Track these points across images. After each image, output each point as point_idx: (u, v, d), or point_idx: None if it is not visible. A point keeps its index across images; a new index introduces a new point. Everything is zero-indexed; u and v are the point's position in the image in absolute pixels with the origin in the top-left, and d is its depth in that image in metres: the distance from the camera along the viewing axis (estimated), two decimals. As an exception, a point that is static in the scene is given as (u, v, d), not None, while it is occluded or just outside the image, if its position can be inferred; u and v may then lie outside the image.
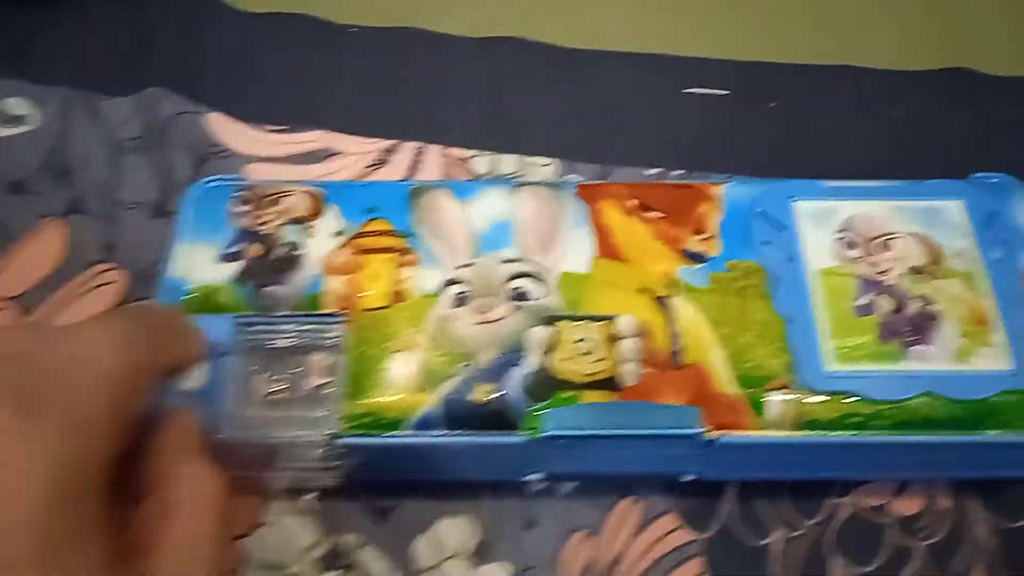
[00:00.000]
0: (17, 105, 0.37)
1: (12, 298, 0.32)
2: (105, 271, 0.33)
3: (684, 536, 0.29)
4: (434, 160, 0.36)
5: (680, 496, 0.29)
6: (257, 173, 0.36)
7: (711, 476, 0.28)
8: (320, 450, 0.26)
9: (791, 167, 0.35)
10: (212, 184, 0.30)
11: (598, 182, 0.30)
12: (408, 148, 0.36)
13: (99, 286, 0.33)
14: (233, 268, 0.28)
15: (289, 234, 0.29)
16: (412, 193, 0.30)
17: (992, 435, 0.26)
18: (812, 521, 0.29)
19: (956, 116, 0.38)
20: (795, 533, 0.29)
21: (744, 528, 0.29)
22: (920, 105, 0.38)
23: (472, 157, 0.36)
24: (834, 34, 0.40)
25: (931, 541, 0.29)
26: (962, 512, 0.29)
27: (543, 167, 0.36)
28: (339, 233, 0.29)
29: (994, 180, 0.31)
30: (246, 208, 0.30)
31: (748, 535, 0.29)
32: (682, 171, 0.36)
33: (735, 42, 0.40)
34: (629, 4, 0.41)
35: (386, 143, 0.37)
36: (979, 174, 0.31)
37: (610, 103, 0.38)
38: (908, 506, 0.29)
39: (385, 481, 0.29)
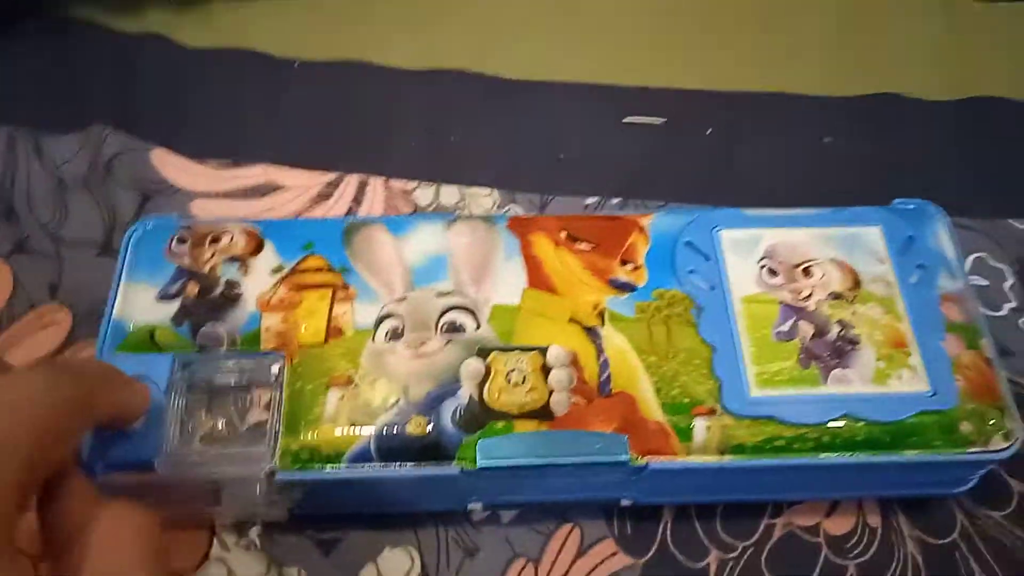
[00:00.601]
0: (-41, 144, 0.37)
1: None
2: (51, 311, 0.33)
3: (622, 561, 0.29)
4: (377, 192, 0.37)
5: (618, 522, 0.30)
6: (202, 208, 0.36)
7: (646, 501, 0.29)
8: (261, 486, 0.27)
9: (725, 192, 0.37)
10: (151, 224, 0.31)
11: (529, 215, 0.31)
12: (352, 180, 0.37)
13: (45, 327, 0.33)
14: (172, 307, 0.29)
15: (227, 272, 0.30)
16: (347, 229, 0.31)
17: (911, 455, 0.27)
18: (747, 543, 0.30)
19: (882, 141, 0.39)
20: (730, 555, 0.30)
21: (680, 552, 0.30)
22: (847, 130, 0.39)
23: (415, 188, 0.37)
24: (765, 63, 0.41)
25: (862, 560, 0.30)
26: (890, 531, 0.30)
27: (484, 197, 0.37)
28: (276, 270, 0.30)
29: (911, 206, 0.32)
30: (185, 247, 0.30)
31: (685, 558, 0.30)
32: (619, 199, 0.37)
33: (671, 72, 0.41)
34: (568, 36, 0.42)
35: (330, 176, 0.37)
36: (898, 200, 0.32)
37: (550, 133, 0.39)
38: (839, 525, 0.30)
39: (328, 514, 0.29)
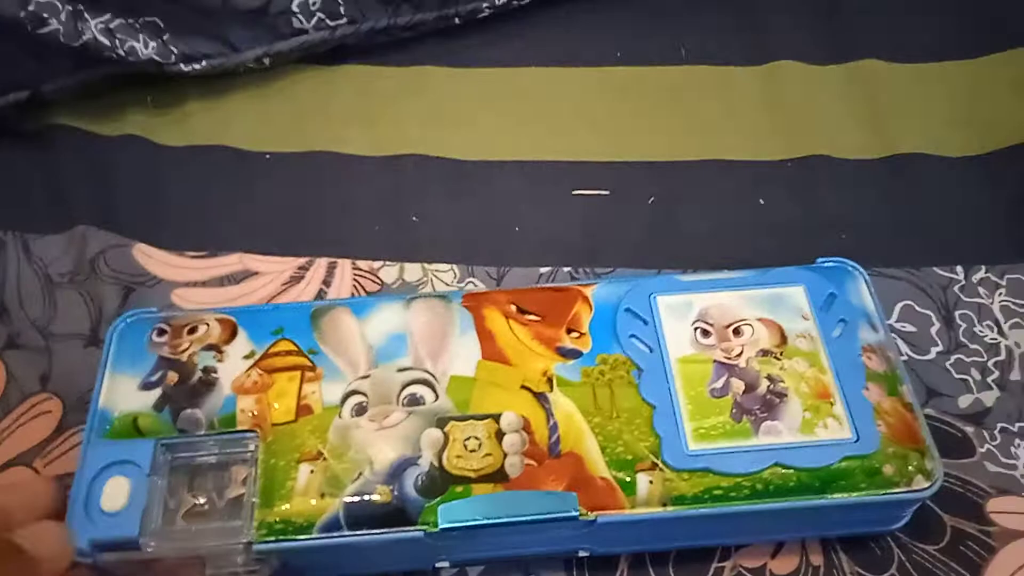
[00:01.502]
0: (-49, 249, 0.40)
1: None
2: (42, 401, 0.36)
3: (582, 608, 0.31)
4: (346, 273, 0.39)
5: (576, 572, 0.32)
6: (182, 297, 0.39)
7: (602, 551, 0.31)
8: (240, 556, 0.29)
9: (669, 255, 0.39)
10: (133, 319, 0.33)
11: (482, 291, 0.34)
12: (321, 263, 0.40)
13: (36, 416, 0.35)
14: (154, 395, 0.31)
15: (204, 359, 0.32)
16: (314, 314, 0.33)
17: (839, 498, 0.29)
18: (698, 585, 0.32)
19: (813, 199, 0.42)
20: (684, 598, 0.32)
21: (636, 598, 0.32)
22: (781, 191, 0.42)
23: (380, 268, 0.40)
24: (701, 132, 0.44)
25: (807, 596, 0.32)
26: (832, 568, 0.32)
27: (445, 272, 0.39)
28: (249, 355, 0.32)
29: (833, 264, 0.35)
30: (164, 338, 0.33)
31: (641, 603, 0.32)
32: (570, 267, 0.40)
33: (614, 146, 0.44)
34: (516, 118, 0.45)
35: (300, 260, 0.40)
36: (820, 259, 0.35)
37: (505, 208, 0.42)
38: (784, 566, 0.32)
39: (306, 577, 0.31)
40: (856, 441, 0.30)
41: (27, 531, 0.27)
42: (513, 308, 0.33)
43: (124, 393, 0.31)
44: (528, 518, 0.29)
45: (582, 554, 0.31)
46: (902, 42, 0.47)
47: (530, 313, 0.33)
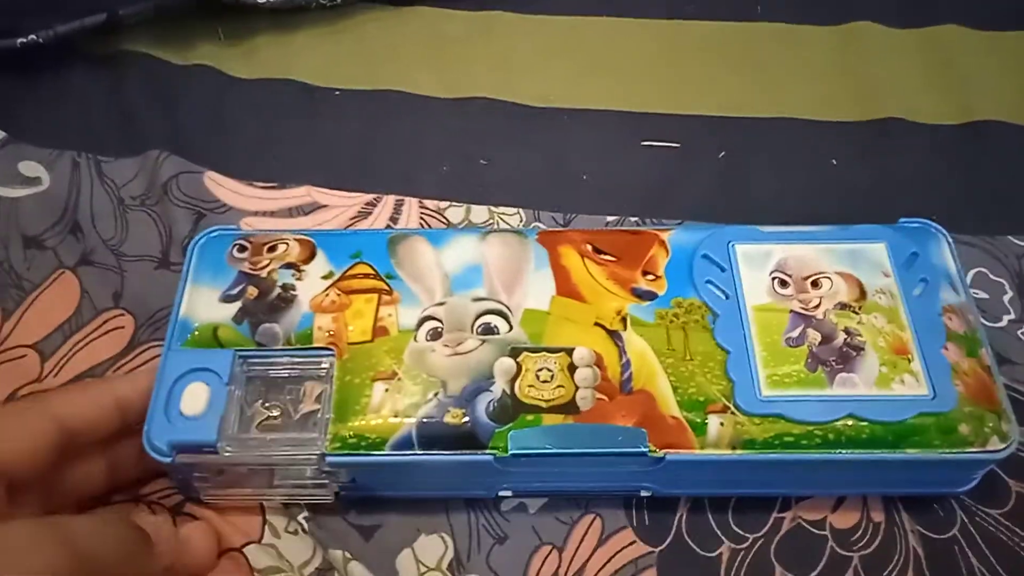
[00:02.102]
0: (29, 167, 0.41)
1: (31, 345, 0.36)
2: (114, 317, 0.36)
3: (640, 549, 0.32)
4: (412, 211, 0.40)
5: (636, 513, 0.32)
6: (252, 225, 0.39)
7: (663, 492, 0.31)
8: (311, 468, 0.30)
9: (737, 212, 0.39)
10: (214, 234, 0.34)
11: (557, 229, 0.34)
12: (388, 201, 0.40)
13: (109, 331, 0.36)
14: (233, 308, 0.32)
15: (282, 277, 0.32)
16: (391, 240, 0.34)
17: (910, 453, 0.29)
18: (756, 534, 0.32)
19: (886, 163, 0.41)
20: (741, 546, 0.32)
21: (694, 542, 0.32)
22: (854, 153, 0.42)
23: (447, 208, 0.40)
24: (775, 90, 0.44)
25: (865, 552, 0.32)
26: (893, 525, 0.32)
27: (511, 216, 0.40)
28: (327, 276, 0.33)
29: (916, 224, 0.34)
30: (244, 255, 0.33)
31: (698, 548, 0.32)
32: (636, 218, 0.39)
33: (685, 99, 0.44)
34: (587, 66, 0.45)
35: (368, 196, 0.40)
36: (903, 219, 0.35)
37: (572, 156, 0.42)
38: (844, 520, 0.32)
39: (370, 496, 0.31)
40: (933, 398, 0.30)
41: None
42: (589, 248, 0.33)
43: (204, 304, 0.32)
44: (598, 451, 0.29)
45: (644, 494, 0.31)
46: (981, 9, 0.46)
47: (606, 253, 0.33)
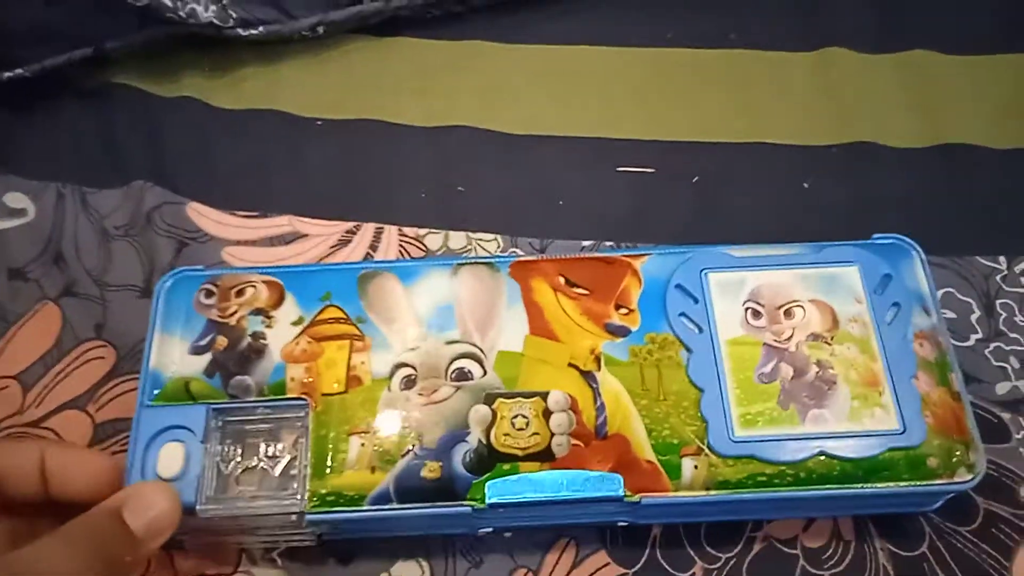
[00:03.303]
0: (15, 199, 0.37)
1: (13, 376, 0.33)
2: (95, 348, 0.34)
3: (614, 571, 0.29)
4: (391, 239, 0.37)
5: (610, 537, 0.30)
6: (233, 255, 0.36)
7: (640, 522, 0.29)
8: (290, 523, 0.27)
9: (711, 235, 0.36)
10: (179, 275, 0.31)
11: (530, 258, 0.30)
12: (368, 229, 0.37)
13: (89, 361, 0.33)
14: (204, 360, 0.29)
15: (252, 325, 0.29)
16: (361, 279, 0.30)
17: (879, 487, 0.27)
18: (729, 554, 0.30)
19: (858, 185, 0.38)
20: (714, 565, 0.30)
21: (667, 563, 0.30)
22: (826, 176, 0.38)
23: (425, 235, 0.37)
24: (748, 115, 0.40)
25: (836, 571, 0.29)
26: (863, 544, 0.30)
27: (489, 242, 0.36)
28: (297, 322, 0.30)
29: (889, 241, 0.31)
30: (212, 301, 0.30)
31: (671, 569, 0.30)
32: (611, 243, 0.36)
33: (660, 125, 0.40)
34: (564, 94, 0.42)
35: (348, 224, 0.37)
36: (876, 235, 0.32)
37: (549, 182, 0.39)
38: (815, 539, 0.30)
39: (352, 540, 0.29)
40: (903, 432, 0.27)
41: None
42: (561, 280, 0.30)
43: (174, 355, 0.29)
44: (575, 497, 0.26)
45: (621, 523, 0.29)
46: (954, 33, 0.43)
47: (579, 287, 0.30)
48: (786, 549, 0.30)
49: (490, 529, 0.29)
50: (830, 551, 0.30)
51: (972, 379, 0.33)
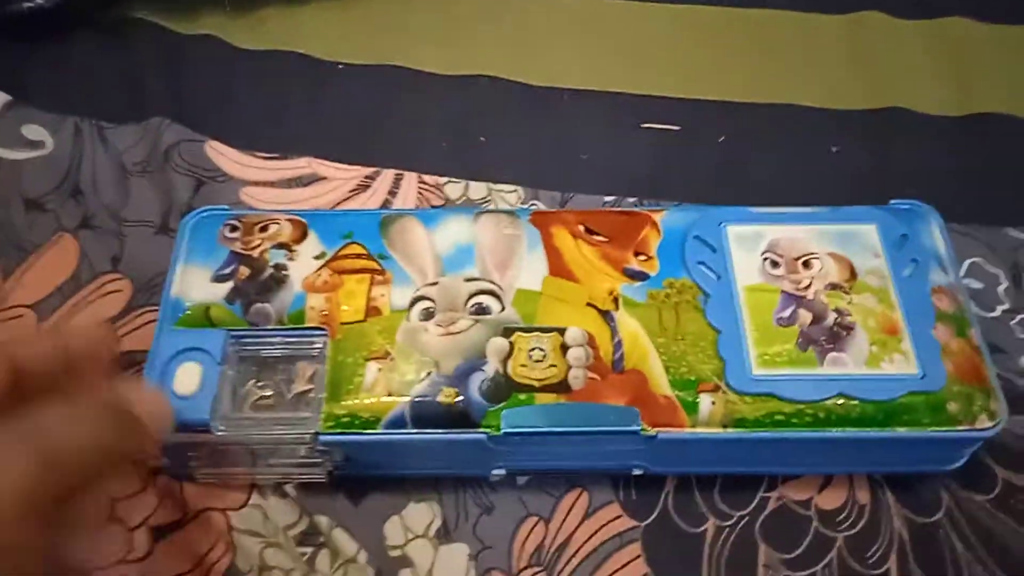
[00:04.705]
0: (33, 131, 0.39)
1: (30, 305, 0.34)
2: (112, 281, 0.35)
3: (626, 523, 0.31)
4: (411, 185, 0.38)
5: (623, 489, 0.31)
6: (250, 195, 0.38)
7: (655, 471, 0.30)
8: (304, 447, 0.28)
9: (735, 196, 0.37)
10: (206, 213, 0.32)
11: (550, 210, 0.33)
12: (388, 175, 0.39)
13: (107, 294, 0.35)
14: (225, 288, 0.30)
15: (274, 257, 0.31)
16: (383, 221, 0.32)
17: (900, 432, 0.28)
18: (742, 512, 0.31)
19: (886, 152, 0.40)
20: (726, 523, 0.31)
21: (680, 518, 0.31)
22: (854, 141, 0.40)
23: (445, 184, 0.38)
24: (777, 76, 0.42)
25: (849, 533, 0.31)
26: (879, 508, 0.31)
27: (509, 193, 0.38)
28: (319, 256, 0.31)
29: (906, 206, 0.33)
30: (236, 234, 0.32)
31: (684, 524, 0.31)
32: (634, 199, 0.38)
33: (687, 83, 0.42)
34: (591, 47, 0.43)
35: (368, 170, 0.39)
36: (893, 200, 0.33)
37: (572, 136, 0.40)
38: (830, 501, 0.31)
39: (363, 476, 0.31)
40: (922, 377, 0.29)
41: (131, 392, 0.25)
42: (581, 228, 0.32)
43: (196, 284, 0.30)
44: (591, 429, 0.28)
45: (636, 472, 0.30)
46: (989, 2, 0.44)
47: (598, 234, 0.32)
48: (800, 510, 0.31)
49: (503, 472, 0.30)
50: (844, 513, 0.31)
51: (996, 349, 0.34)
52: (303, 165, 0.39)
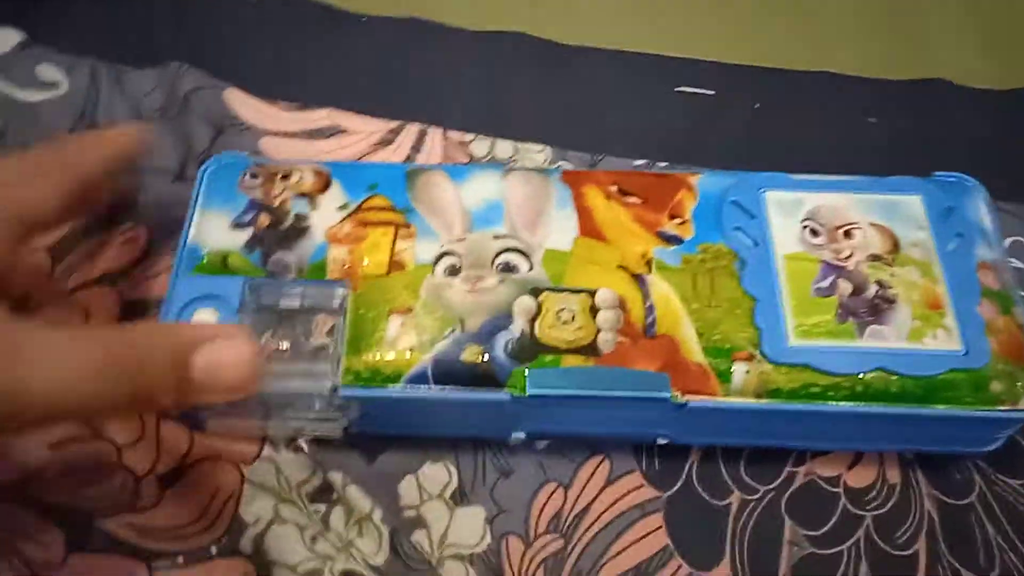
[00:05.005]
0: (48, 71, 0.38)
1: (47, 248, 0.34)
2: (130, 227, 0.34)
3: (648, 493, 0.30)
4: (436, 141, 0.37)
5: (646, 457, 0.31)
6: (270, 145, 0.37)
7: (681, 440, 0.30)
8: (321, 401, 0.28)
9: (769, 164, 0.35)
10: (226, 160, 0.32)
11: (582, 169, 0.32)
12: (412, 129, 0.38)
13: (126, 240, 0.34)
14: (244, 235, 0.30)
15: (296, 207, 0.30)
16: (409, 174, 0.31)
17: (940, 409, 0.27)
18: (768, 487, 0.30)
19: (926, 124, 0.39)
20: (752, 496, 0.30)
21: (704, 490, 0.30)
22: (893, 112, 0.39)
23: (471, 141, 0.37)
24: (815, 42, 0.41)
25: (878, 512, 0.30)
26: (909, 487, 0.30)
27: (537, 153, 0.37)
28: (342, 207, 0.30)
29: (952, 179, 0.32)
30: (257, 182, 0.31)
31: (708, 496, 0.30)
32: (666, 163, 0.37)
33: (723, 47, 0.41)
34: (624, 6, 0.42)
35: (392, 124, 0.38)
36: (939, 173, 0.32)
37: (602, 97, 0.39)
38: (859, 478, 0.31)
39: (380, 434, 0.30)
40: (965, 354, 0.28)
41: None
42: (614, 189, 0.31)
43: (215, 230, 0.30)
44: (619, 394, 0.27)
45: (661, 441, 0.30)
46: None
47: (632, 195, 0.31)
48: (828, 487, 0.30)
49: (523, 436, 0.30)
50: (874, 492, 0.30)
51: (1037, 328, 0.33)
52: (324, 116, 0.38)
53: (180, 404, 0.24)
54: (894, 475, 0.31)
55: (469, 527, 0.29)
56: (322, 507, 0.29)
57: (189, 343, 0.23)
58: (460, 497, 0.30)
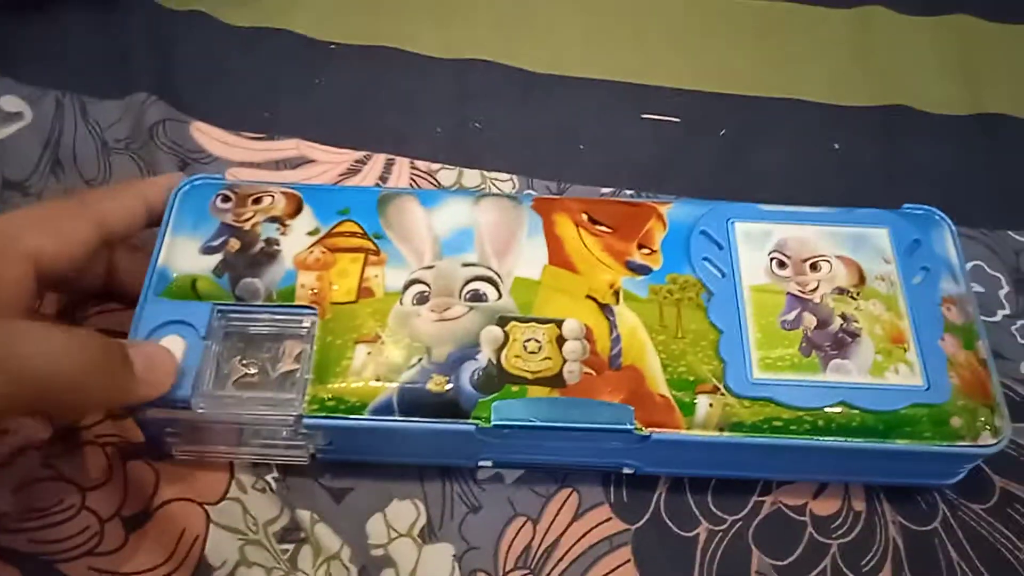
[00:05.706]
0: (12, 103, 0.39)
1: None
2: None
3: (616, 526, 0.31)
4: (403, 171, 0.38)
5: (614, 489, 0.31)
6: (237, 176, 0.37)
7: (646, 470, 0.30)
8: (287, 429, 0.28)
9: (735, 191, 0.38)
10: (198, 182, 0.32)
11: (553, 197, 0.32)
12: (379, 159, 0.39)
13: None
14: (214, 260, 0.30)
15: (266, 231, 0.31)
16: (381, 199, 0.32)
17: (900, 444, 0.28)
18: (735, 517, 0.31)
19: (889, 150, 0.40)
20: (719, 527, 0.31)
21: (671, 521, 0.31)
22: (857, 139, 0.41)
23: (439, 170, 0.38)
24: (781, 69, 0.43)
25: (844, 540, 0.31)
26: (874, 515, 0.31)
27: (504, 182, 0.38)
28: (312, 232, 0.31)
29: (920, 212, 0.33)
30: (228, 206, 0.32)
31: (676, 527, 0.31)
32: (632, 191, 0.38)
33: (689, 74, 0.42)
34: (591, 34, 0.43)
35: (358, 154, 0.39)
36: (907, 205, 0.33)
37: (570, 125, 0.40)
38: (825, 507, 0.31)
39: (344, 462, 0.30)
40: (927, 389, 0.29)
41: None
42: (584, 217, 0.32)
43: (184, 254, 0.30)
44: (583, 426, 0.28)
45: (626, 471, 0.30)
46: (996, 0, 0.45)
47: (602, 224, 0.32)
48: (794, 515, 0.31)
49: (489, 463, 0.30)
50: (839, 520, 0.31)
51: (997, 355, 0.34)
52: (291, 147, 0.39)
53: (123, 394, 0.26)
54: (859, 503, 0.32)
55: (437, 565, 0.30)
56: (290, 547, 0.30)
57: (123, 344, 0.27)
58: (429, 534, 0.30)
